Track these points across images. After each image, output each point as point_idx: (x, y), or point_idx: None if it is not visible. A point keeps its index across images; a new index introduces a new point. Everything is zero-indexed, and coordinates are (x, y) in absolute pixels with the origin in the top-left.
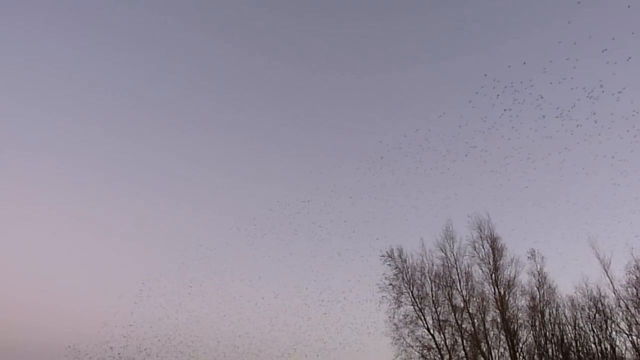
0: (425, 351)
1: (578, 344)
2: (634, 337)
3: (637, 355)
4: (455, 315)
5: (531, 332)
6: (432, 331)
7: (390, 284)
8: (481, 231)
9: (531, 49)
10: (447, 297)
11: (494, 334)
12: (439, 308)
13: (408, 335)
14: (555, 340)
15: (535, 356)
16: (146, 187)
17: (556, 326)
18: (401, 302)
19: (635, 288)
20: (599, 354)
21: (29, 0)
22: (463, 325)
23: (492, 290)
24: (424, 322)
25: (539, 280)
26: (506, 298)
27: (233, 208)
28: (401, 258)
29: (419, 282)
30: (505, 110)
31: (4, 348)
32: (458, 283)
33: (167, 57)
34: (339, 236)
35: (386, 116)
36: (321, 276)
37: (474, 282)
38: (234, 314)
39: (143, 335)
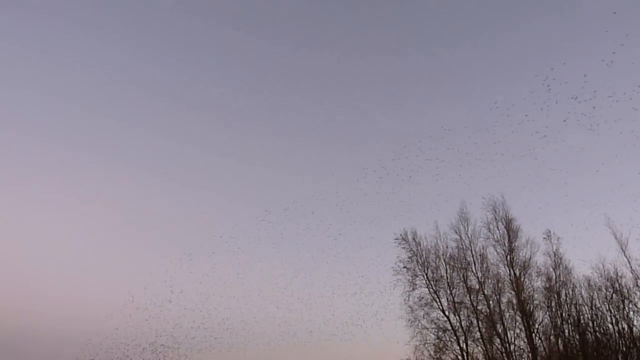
0: (440, 333)
1: (595, 325)
2: None
3: None
4: (470, 297)
5: (547, 313)
6: (447, 313)
7: (405, 267)
8: (496, 213)
9: (552, 32)
10: (462, 279)
11: (509, 315)
12: (454, 290)
13: (423, 317)
14: (572, 320)
15: (552, 337)
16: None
17: (572, 307)
18: (416, 284)
19: None
20: (616, 334)
21: None
22: (478, 307)
23: (508, 271)
24: (439, 304)
25: (554, 261)
26: (522, 279)
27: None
28: (415, 241)
29: (434, 264)
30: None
31: None
32: (473, 265)
33: (179, 44)
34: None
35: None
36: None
37: (489, 263)
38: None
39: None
